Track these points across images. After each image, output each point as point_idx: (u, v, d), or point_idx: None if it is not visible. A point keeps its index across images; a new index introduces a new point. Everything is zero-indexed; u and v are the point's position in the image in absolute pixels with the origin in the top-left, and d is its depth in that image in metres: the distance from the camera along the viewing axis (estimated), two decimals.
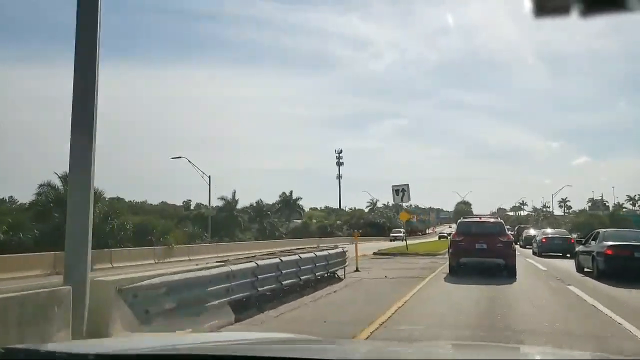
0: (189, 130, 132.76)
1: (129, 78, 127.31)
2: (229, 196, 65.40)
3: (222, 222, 61.55)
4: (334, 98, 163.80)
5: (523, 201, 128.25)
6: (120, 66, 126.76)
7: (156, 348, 2.18)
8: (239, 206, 67.74)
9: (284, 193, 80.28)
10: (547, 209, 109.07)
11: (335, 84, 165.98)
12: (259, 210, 67.27)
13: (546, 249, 25.12)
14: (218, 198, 65.46)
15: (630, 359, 2.39)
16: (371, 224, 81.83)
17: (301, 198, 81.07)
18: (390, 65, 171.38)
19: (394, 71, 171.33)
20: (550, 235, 26.87)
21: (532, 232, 36.34)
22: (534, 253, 26.58)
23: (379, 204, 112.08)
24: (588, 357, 2.35)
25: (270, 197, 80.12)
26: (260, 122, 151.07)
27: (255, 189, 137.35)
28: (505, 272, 13.89)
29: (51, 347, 2.00)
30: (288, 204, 78.55)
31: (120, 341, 2.74)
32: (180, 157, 38.94)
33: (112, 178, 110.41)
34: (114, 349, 2.08)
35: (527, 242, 33.12)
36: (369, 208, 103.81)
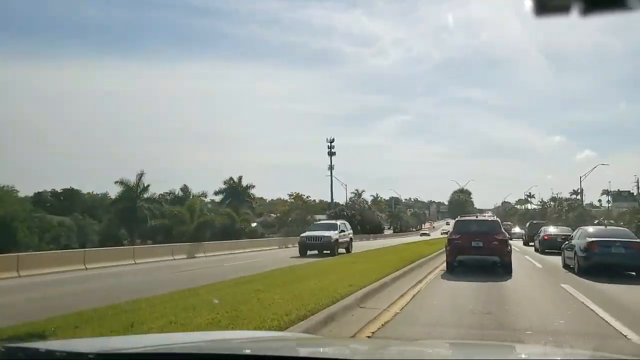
0: (192, 125, 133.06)
1: (131, 74, 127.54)
2: (132, 179, 45.86)
3: (124, 215, 44.94)
4: (337, 95, 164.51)
5: (530, 193, 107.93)
6: (122, 62, 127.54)
7: (156, 347, 2.18)
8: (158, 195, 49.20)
9: (230, 179, 61.38)
10: (568, 198, 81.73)
11: (339, 80, 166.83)
12: (182, 200, 49.02)
13: (599, 263, 13.91)
14: (116, 182, 46.44)
15: (631, 359, 2.39)
16: (334, 218, 64.19)
17: (253, 186, 62.40)
18: (395, 62, 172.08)
19: (398, 68, 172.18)
20: (603, 238, 14.68)
21: (552, 230, 26.89)
22: (567, 267, 15.94)
23: (368, 197, 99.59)
24: (588, 357, 2.35)
25: (272, 192, 75.57)
26: (262, 118, 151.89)
27: (256, 185, 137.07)
28: (501, 270, 14.21)
29: (50, 346, 1.99)
30: (235, 192, 60.13)
31: (120, 340, 2.74)
32: None
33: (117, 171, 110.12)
34: (114, 348, 2.08)
35: (550, 245, 24.25)
36: (353, 200, 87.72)
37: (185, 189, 51.49)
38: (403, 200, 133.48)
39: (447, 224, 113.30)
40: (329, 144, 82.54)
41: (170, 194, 50.68)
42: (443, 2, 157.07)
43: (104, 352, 1.92)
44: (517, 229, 60.89)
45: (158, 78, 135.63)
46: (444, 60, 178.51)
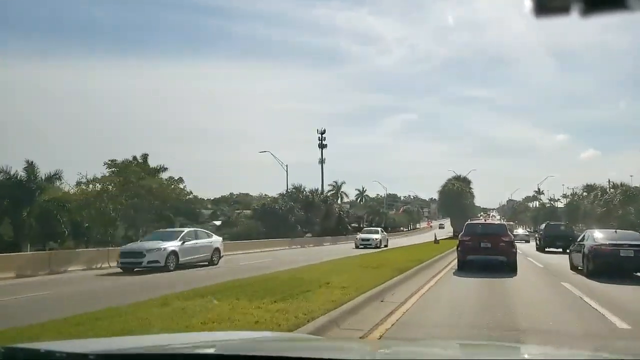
0: (195, 125, 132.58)
1: (136, 72, 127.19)
2: None
3: None
4: (340, 94, 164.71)
5: (539, 189, 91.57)
6: (128, 60, 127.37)
7: (156, 347, 2.18)
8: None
9: (134, 158, 37.71)
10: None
11: (343, 79, 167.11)
12: (20, 185, 30.34)
13: None
14: None
15: (631, 359, 2.39)
16: (266, 213, 46.10)
17: (165, 168, 37.30)
18: (398, 60, 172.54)
19: (402, 67, 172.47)
20: None
21: (605, 236, 15.19)
22: None
23: (352, 191, 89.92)
24: (589, 356, 2.35)
25: (272, 192, 67.84)
26: (265, 117, 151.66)
27: (258, 183, 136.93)
28: (507, 268, 15.41)
29: (50, 346, 1.99)
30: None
31: (120, 340, 2.74)
32: None
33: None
34: (114, 349, 2.08)
35: (611, 264, 13.95)
36: (331, 193, 74.15)
37: (30, 167, 31.20)
38: (402, 198, 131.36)
39: (441, 226, 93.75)
40: (320, 135, 73.69)
41: (2, 172, 30.63)
42: (447, 1, 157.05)
43: (104, 352, 1.92)
44: (520, 230, 54.89)
45: (160, 77, 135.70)
46: (448, 58, 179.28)
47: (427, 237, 55.64)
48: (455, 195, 63.38)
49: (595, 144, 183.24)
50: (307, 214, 49.27)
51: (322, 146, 73.80)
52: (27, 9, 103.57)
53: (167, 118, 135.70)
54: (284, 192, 52.88)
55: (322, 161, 73.38)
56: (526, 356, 2.42)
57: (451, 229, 66.36)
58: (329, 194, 57.92)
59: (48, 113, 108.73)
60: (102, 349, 2.03)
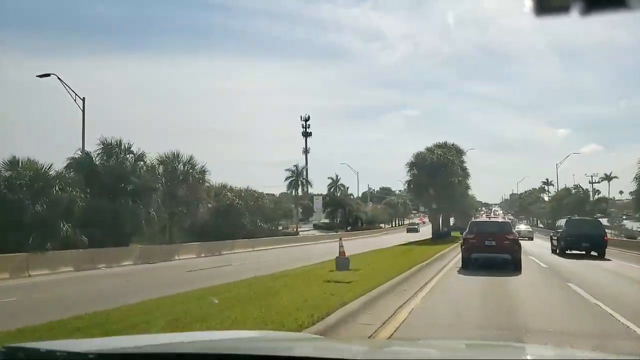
0: (198, 121, 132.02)
1: (139, 70, 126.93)
2: None
3: None
4: (342, 90, 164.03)
5: (547, 180, 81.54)
6: (130, 58, 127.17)
7: (157, 346, 2.18)
8: None
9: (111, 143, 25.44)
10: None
11: (345, 76, 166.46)
12: None
13: None
14: None
15: (631, 359, 2.39)
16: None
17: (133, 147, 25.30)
18: (401, 57, 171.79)
19: (405, 63, 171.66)
20: None
21: None
22: None
23: (324, 180, 76.15)
24: (589, 356, 2.35)
25: (276, 189, 58.75)
26: (269, 114, 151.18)
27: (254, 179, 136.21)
28: (512, 266, 15.48)
29: (51, 346, 1.99)
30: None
31: (120, 340, 2.74)
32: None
33: None
34: (114, 348, 2.08)
35: None
36: (291, 180, 60.87)
37: None
38: (397, 192, 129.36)
39: (412, 227, 65.85)
40: (304, 122, 67.46)
41: None
42: None
43: (104, 352, 1.92)
44: (522, 226, 47.30)
45: (161, 75, 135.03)
46: (451, 55, 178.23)
47: (390, 239, 37.06)
48: (436, 169, 36.73)
49: (596, 139, 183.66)
50: (127, 199, 24.15)
51: (306, 134, 68.21)
52: (30, 6, 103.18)
53: (174, 116, 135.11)
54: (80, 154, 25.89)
55: (306, 151, 68.00)
56: (528, 356, 2.42)
57: (430, 231, 44.51)
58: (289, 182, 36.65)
59: (49, 110, 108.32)
60: (102, 348, 2.03)
